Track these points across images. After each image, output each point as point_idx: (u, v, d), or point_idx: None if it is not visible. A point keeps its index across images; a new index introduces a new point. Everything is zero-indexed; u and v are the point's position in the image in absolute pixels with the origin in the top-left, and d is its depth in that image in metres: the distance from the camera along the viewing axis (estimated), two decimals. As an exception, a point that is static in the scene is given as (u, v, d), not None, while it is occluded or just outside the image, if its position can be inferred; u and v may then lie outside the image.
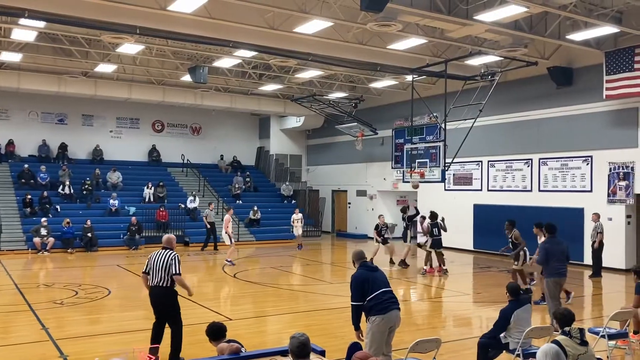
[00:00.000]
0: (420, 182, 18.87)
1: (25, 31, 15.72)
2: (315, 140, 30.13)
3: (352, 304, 6.05)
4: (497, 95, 17.94)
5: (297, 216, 21.80)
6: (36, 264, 17.56)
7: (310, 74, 21.23)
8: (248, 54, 17.49)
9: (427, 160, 17.78)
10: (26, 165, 22.91)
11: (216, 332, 5.19)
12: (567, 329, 5.04)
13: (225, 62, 19.44)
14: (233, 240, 17.20)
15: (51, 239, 19.31)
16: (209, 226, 21.27)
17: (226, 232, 16.94)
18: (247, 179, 27.61)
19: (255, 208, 24.75)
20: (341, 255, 21.41)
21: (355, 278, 6.11)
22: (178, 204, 23.94)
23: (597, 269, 15.12)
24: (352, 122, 24.10)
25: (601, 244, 15.06)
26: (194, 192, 24.71)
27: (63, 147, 25.14)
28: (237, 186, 26.70)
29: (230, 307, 11.29)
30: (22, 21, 14.08)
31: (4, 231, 18.95)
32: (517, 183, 19.51)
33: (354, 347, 4.91)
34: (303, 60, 17.71)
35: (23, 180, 22.34)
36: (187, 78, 20.67)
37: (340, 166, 27.98)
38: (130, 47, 17.07)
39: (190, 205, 23.89)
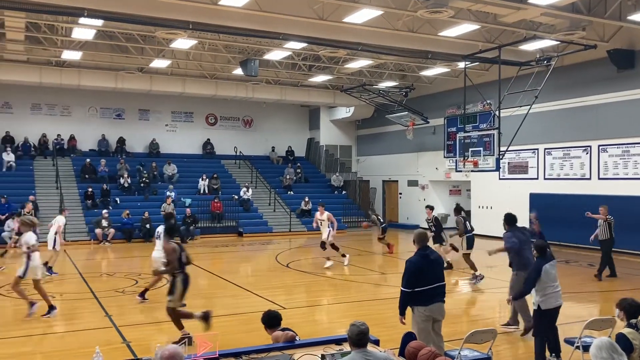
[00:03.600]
0: (473, 171, 18.54)
1: (85, 30, 16.32)
2: (365, 131, 30.01)
3: (402, 289, 6.09)
4: (554, 81, 17.36)
5: (321, 216, 15.57)
6: (98, 253, 18.31)
7: (360, 63, 21.13)
8: (298, 45, 17.56)
9: (481, 148, 17.44)
10: (87, 160, 23.85)
11: (272, 320, 5.29)
12: (633, 321, 4.87)
13: (275, 55, 19.60)
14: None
15: (112, 230, 20.09)
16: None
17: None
18: (298, 170, 27.82)
19: (307, 199, 24.93)
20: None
21: (412, 264, 6.10)
22: (232, 195, 24.40)
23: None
24: (403, 111, 23.86)
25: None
26: (247, 184, 25.12)
27: (121, 141, 26.02)
28: (288, 177, 26.97)
29: (284, 296, 11.45)
30: (82, 20, 14.61)
31: (69, 222, 19.77)
32: (575, 171, 18.87)
33: (408, 337, 4.91)
34: (353, 50, 17.65)
35: (85, 174, 23.28)
36: (238, 71, 20.97)
37: (391, 156, 27.77)
38: (183, 42, 17.44)
39: (243, 196, 24.32)
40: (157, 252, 10.68)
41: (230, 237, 22.21)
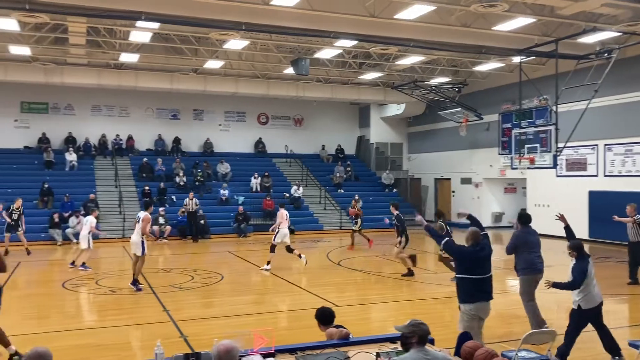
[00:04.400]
0: (529, 168, 18.04)
1: (142, 33, 16.82)
2: (416, 128, 29.69)
3: (447, 243, 6.46)
4: (615, 74, 16.67)
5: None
6: (155, 250, 18.85)
7: (412, 60, 20.92)
8: (349, 43, 17.55)
9: (537, 145, 16.94)
10: (145, 159, 24.62)
11: (325, 317, 5.32)
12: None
13: (326, 53, 19.66)
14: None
15: (168, 227, 20.68)
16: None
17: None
18: (348, 168, 27.81)
19: (357, 197, 24.85)
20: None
21: (468, 251, 6.36)
22: (283, 193, 24.64)
23: None
24: (456, 107, 23.46)
25: None
26: (297, 182, 25.32)
27: (177, 140, 26.72)
28: (338, 175, 27.01)
29: (335, 293, 11.49)
30: (139, 23, 15.08)
31: (127, 220, 20.49)
32: (638, 168, 18.07)
33: (464, 337, 4.84)
34: (404, 47, 17.49)
35: (143, 173, 24.03)
36: (289, 71, 21.15)
37: (443, 153, 27.38)
38: (236, 43, 17.73)
39: (294, 194, 24.53)
40: (136, 236, 11.49)
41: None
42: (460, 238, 7.19)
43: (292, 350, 4.42)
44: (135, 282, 11.39)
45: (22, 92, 23.99)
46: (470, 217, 7.57)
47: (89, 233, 13.95)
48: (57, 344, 3.49)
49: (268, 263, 14.06)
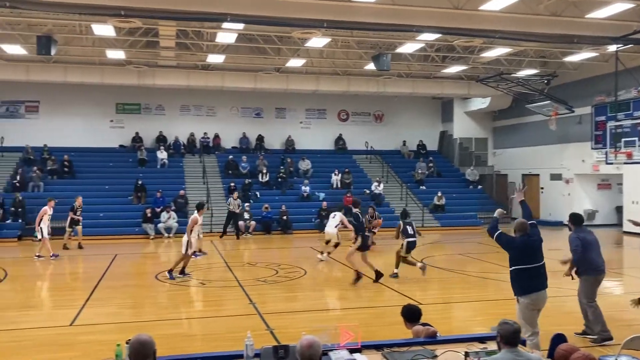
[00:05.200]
0: (626, 163, 16.98)
1: (227, 34, 17.36)
2: (502, 122, 28.69)
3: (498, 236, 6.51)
4: None
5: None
6: (241, 244, 19.44)
7: (497, 52, 20.23)
8: (431, 37, 17.25)
9: (636, 138, 15.95)
10: (230, 157, 25.43)
11: (412, 314, 5.27)
12: None
13: (407, 48, 19.42)
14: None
15: (253, 223, 21.24)
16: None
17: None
18: (430, 164, 27.34)
19: (440, 194, 24.44)
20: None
21: (518, 241, 6.43)
22: (363, 189, 24.62)
23: None
24: (545, 100, 22.47)
25: None
26: (378, 178, 25.20)
27: (260, 138, 27.38)
28: (420, 172, 26.62)
29: (419, 291, 11.34)
30: (225, 25, 15.58)
31: (215, 215, 21.26)
32: None
33: (558, 339, 4.64)
34: (489, 39, 16.95)
35: (229, 170, 24.83)
36: (370, 67, 21.07)
37: (531, 148, 26.28)
38: (317, 41, 17.90)
39: (375, 190, 24.44)
40: (185, 236, 12.30)
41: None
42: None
43: (378, 347, 4.40)
44: (170, 272, 12.15)
45: (117, 94, 25.47)
46: (522, 202, 7.33)
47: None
48: (150, 333, 3.71)
49: (322, 253, 14.86)
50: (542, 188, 26.11)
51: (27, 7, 13.44)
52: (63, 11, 14.10)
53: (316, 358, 3.56)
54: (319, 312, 9.72)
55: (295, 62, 21.42)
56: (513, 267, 6.45)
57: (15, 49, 18.79)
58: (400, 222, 12.65)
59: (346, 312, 9.92)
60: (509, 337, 3.85)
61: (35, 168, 22.67)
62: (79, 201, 17.93)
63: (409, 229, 12.47)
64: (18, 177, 22.06)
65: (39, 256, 15.27)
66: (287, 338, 7.46)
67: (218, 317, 9.46)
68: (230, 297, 10.89)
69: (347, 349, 4.19)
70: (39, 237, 15.48)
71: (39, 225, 15.36)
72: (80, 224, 17.74)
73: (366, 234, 12.49)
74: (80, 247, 17.48)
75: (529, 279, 6.32)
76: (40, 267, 14.82)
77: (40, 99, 25.23)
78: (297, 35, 17.01)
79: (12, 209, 19.90)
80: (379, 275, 11.79)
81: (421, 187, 26.01)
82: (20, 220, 19.86)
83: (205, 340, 7.94)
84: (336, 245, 15.15)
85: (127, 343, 4.04)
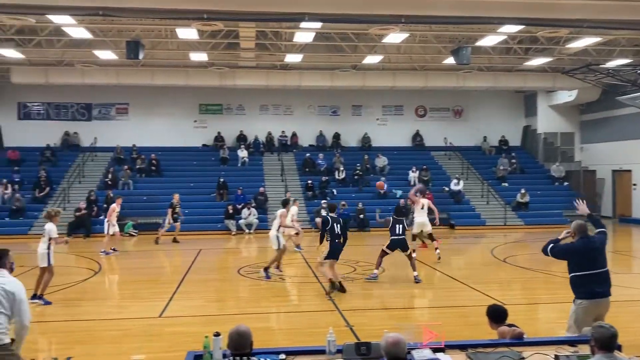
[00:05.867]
0: None
1: (305, 33, 17.55)
2: (590, 115, 27.22)
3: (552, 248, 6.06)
4: None
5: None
6: (318, 241, 19.59)
7: (585, 42, 19.19)
8: (514, 28, 16.63)
9: None
10: (307, 154, 25.74)
11: (498, 314, 5.14)
12: None
13: (488, 40, 18.83)
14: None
15: (330, 220, 21.35)
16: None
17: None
18: (513, 161, 26.41)
19: (523, 191, 23.58)
20: (624, 242, 19.09)
21: (576, 246, 6.00)
22: (442, 187, 24.18)
23: None
24: (637, 91, 21.11)
25: None
26: (457, 175, 24.66)
27: (336, 136, 27.52)
28: (501, 168, 25.78)
29: (500, 291, 11.01)
30: (303, 24, 15.75)
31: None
32: None
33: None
34: (577, 29, 16.13)
35: (306, 168, 25.15)
36: (448, 61, 20.60)
37: (622, 143, 24.76)
38: (395, 37, 17.71)
39: (454, 188, 23.93)
40: (273, 231, 12.36)
41: (441, 229, 22.02)
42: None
43: (462, 347, 4.33)
44: (266, 270, 12.17)
45: (200, 95, 26.41)
46: (589, 216, 6.50)
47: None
48: (232, 326, 3.88)
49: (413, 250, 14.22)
50: (634, 185, 24.57)
51: (118, 14, 14.19)
52: (150, 17, 14.79)
53: (402, 356, 3.55)
54: (398, 310, 9.67)
55: (372, 59, 21.31)
56: (573, 274, 5.98)
57: (106, 55, 19.91)
58: (391, 217, 11.93)
59: (425, 311, 9.81)
60: (605, 341, 3.66)
61: (125, 167, 23.98)
62: (176, 198, 18.90)
63: (398, 227, 11.66)
64: (110, 176, 23.40)
65: (113, 250, 16.20)
66: (367, 335, 7.47)
67: (298, 312, 9.62)
68: (310, 293, 11.03)
69: (430, 348, 4.15)
70: (110, 232, 16.27)
71: (109, 221, 16.26)
72: (180, 220, 18.64)
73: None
74: (175, 241, 18.38)
75: (590, 285, 5.86)
76: (130, 260, 15.68)
77: (130, 102, 26.60)
78: (374, 31, 16.92)
79: (105, 205, 21.12)
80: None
81: (503, 184, 25.20)
82: (112, 216, 21.06)
83: (287, 334, 8.10)
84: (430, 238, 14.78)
85: (215, 335, 4.21)
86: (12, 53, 19.24)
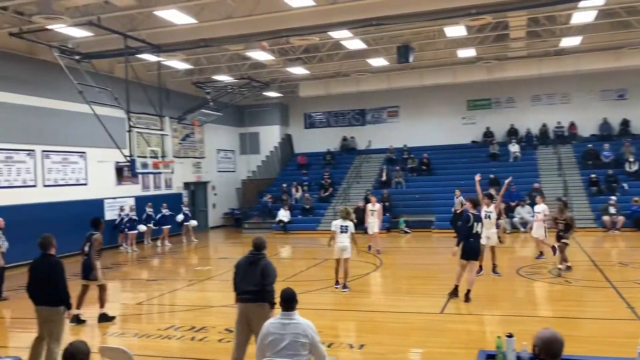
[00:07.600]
0: None
1: (584, 13, 15.98)
2: None
3: None
4: None
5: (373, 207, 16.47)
6: (606, 242, 17.64)
7: None
8: None
9: None
10: (589, 145, 23.36)
11: None
12: None
13: None
14: None
15: (620, 218, 19.02)
16: None
17: None
18: None
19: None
20: None
21: None
22: None
23: None
24: None
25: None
26: None
27: (625, 123, 24.37)
28: None
29: None
30: (582, 4, 14.36)
31: (575, 209, 19.83)
32: None
33: None
34: None
35: (588, 161, 22.85)
36: None
37: None
38: (700, 1, 14.92)
39: None
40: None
41: None
42: None
43: None
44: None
45: (467, 91, 26.10)
46: None
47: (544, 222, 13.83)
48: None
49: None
50: None
51: (390, 21, 14.94)
52: (420, 20, 15.19)
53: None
54: None
55: (668, 31, 18.29)
56: None
57: (378, 62, 21.12)
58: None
59: None
60: None
61: (397, 167, 25.09)
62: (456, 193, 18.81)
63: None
64: (384, 175, 24.77)
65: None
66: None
67: (582, 319, 8.80)
68: (599, 299, 9.98)
69: None
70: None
71: None
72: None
73: None
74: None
75: None
76: (405, 257, 16.29)
77: (399, 104, 27.74)
78: (671, -1, 14.52)
79: (381, 203, 22.42)
80: None
81: None
82: (387, 214, 22.16)
83: (581, 342, 7.42)
84: None
85: (507, 337, 4.11)
86: (300, 70, 21.91)
